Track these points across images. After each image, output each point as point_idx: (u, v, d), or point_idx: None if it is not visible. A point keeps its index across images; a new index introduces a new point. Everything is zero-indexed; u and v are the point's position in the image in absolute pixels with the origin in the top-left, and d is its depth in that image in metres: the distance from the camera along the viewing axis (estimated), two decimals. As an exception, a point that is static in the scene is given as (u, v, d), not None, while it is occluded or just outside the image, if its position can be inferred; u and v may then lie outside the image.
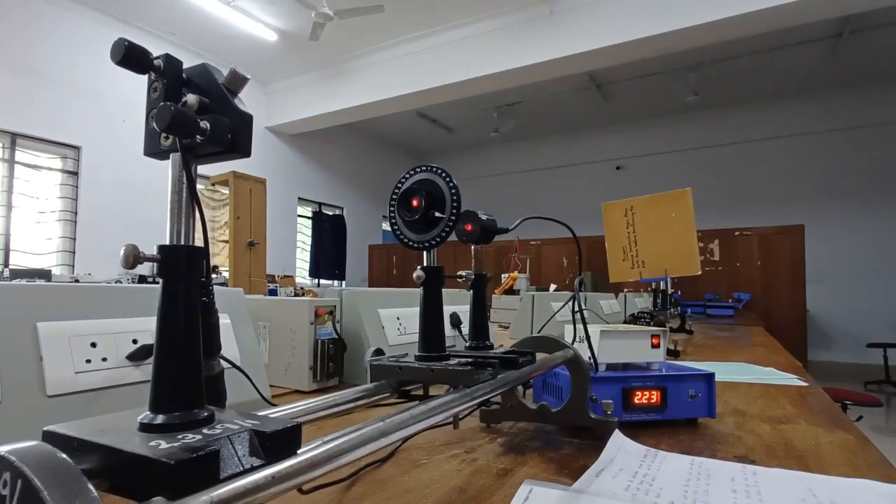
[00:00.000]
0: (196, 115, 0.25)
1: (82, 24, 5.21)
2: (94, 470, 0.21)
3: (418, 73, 5.94)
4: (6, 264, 4.74)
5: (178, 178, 0.26)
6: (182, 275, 0.25)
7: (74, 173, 5.26)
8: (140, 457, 0.20)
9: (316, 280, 7.98)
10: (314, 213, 8.13)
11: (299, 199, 7.84)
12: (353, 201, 8.85)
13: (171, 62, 0.26)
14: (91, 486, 0.17)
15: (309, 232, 8.01)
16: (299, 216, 7.88)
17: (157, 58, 0.26)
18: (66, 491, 0.17)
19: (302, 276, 7.84)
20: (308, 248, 7.99)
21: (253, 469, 0.22)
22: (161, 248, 0.25)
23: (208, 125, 0.25)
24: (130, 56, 0.25)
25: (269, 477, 0.22)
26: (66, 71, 5.12)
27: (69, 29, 5.14)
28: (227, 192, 4.49)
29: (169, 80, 0.26)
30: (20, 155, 4.91)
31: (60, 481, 0.17)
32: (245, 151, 0.27)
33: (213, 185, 4.83)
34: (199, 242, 0.27)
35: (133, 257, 0.23)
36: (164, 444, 0.22)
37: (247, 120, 0.27)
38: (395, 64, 6.12)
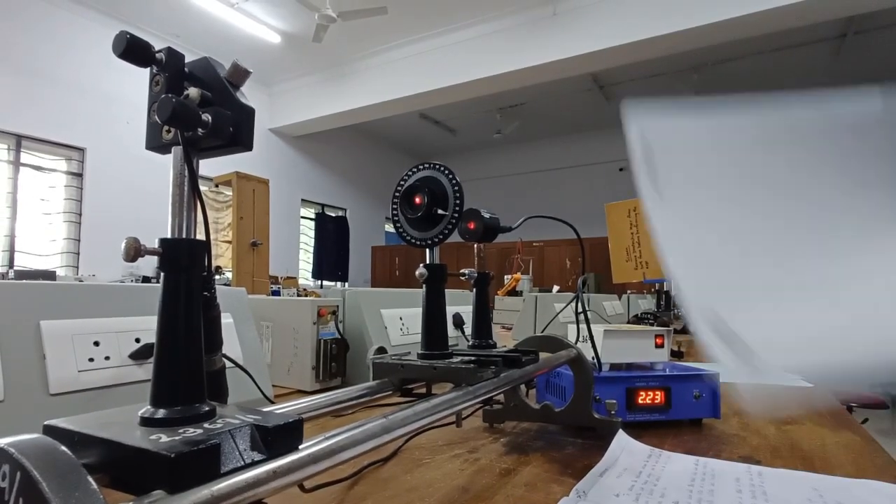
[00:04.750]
0: (198, 108, 0.25)
1: (87, 27, 5.24)
2: (95, 464, 0.21)
3: (421, 74, 5.94)
4: (11, 265, 4.76)
5: (179, 171, 0.26)
6: (183, 267, 0.25)
7: (79, 175, 5.28)
8: (140, 450, 0.20)
9: (319, 281, 7.98)
10: (317, 214, 8.14)
11: (302, 200, 7.85)
12: (356, 203, 8.85)
13: (172, 55, 0.26)
14: (90, 479, 0.17)
15: (312, 234, 8.01)
16: (302, 218, 7.89)
17: (159, 51, 0.26)
18: (65, 483, 0.17)
19: (305, 277, 7.85)
20: (311, 250, 8.00)
21: (254, 464, 0.22)
22: (162, 241, 0.25)
23: (210, 118, 0.25)
24: (132, 49, 0.25)
25: (270, 472, 0.22)
26: (70, 73, 5.15)
27: (74, 31, 5.17)
28: (230, 193, 4.50)
29: (171, 73, 0.26)
30: (25, 157, 4.93)
31: (60, 473, 0.17)
32: (247, 145, 0.26)
33: (216, 185, 4.84)
34: (200, 237, 0.27)
35: (134, 250, 0.23)
36: (164, 438, 0.21)
37: (249, 113, 0.27)
38: (398, 65, 6.12)
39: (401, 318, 0.99)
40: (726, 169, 0.29)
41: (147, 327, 0.59)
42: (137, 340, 0.57)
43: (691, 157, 0.30)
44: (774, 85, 6.84)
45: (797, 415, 0.76)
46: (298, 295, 4.85)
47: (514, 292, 2.97)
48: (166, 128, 0.26)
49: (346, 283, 8.21)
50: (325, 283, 8.05)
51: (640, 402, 0.66)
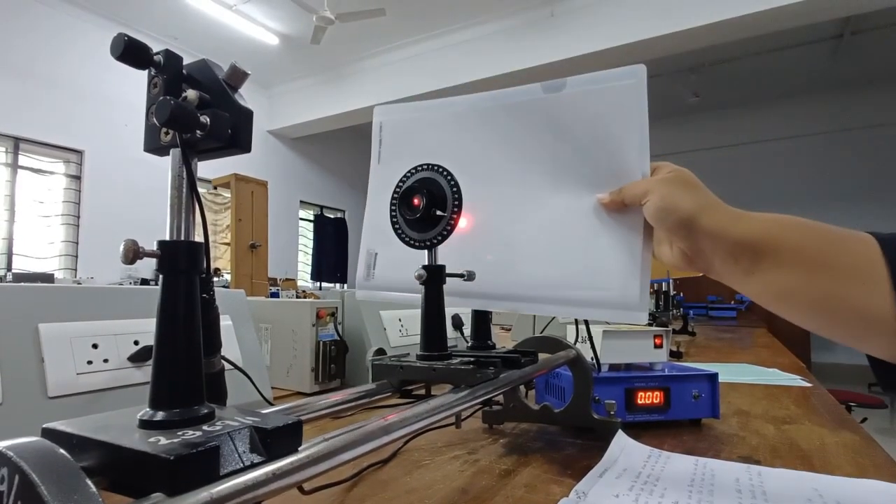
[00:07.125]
0: (196, 110, 0.25)
1: (85, 29, 5.24)
2: (94, 467, 0.21)
3: (419, 76, 5.94)
4: (9, 268, 4.75)
5: (177, 173, 0.26)
6: (182, 270, 0.25)
7: (77, 177, 5.28)
8: (139, 452, 0.20)
9: (318, 283, 7.98)
10: (316, 216, 8.14)
11: (301, 202, 7.85)
12: (355, 204, 8.84)
13: (171, 57, 0.26)
14: (89, 482, 0.17)
15: (310, 235, 8.01)
16: (301, 219, 7.88)
17: (157, 53, 0.26)
18: (63, 486, 0.17)
19: (304, 279, 7.84)
20: (310, 252, 8.00)
21: (253, 466, 0.22)
22: (161, 243, 0.25)
23: (208, 120, 0.25)
24: (130, 51, 0.24)
25: (269, 474, 0.22)
26: (69, 75, 5.14)
27: (72, 34, 5.16)
28: (229, 195, 4.50)
29: (169, 75, 0.26)
30: (23, 159, 4.93)
31: (58, 476, 0.17)
32: (245, 147, 0.27)
33: (214, 187, 4.84)
34: (199, 239, 0.27)
35: (132, 252, 0.23)
36: (163, 441, 0.21)
37: (247, 115, 0.27)
38: (397, 67, 6.13)
39: (400, 320, 0.99)
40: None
41: (146, 330, 0.59)
42: (136, 343, 0.57)
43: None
44: (771, 86, 6.86)
45: (796, 414, 0.76)
46: (297, 296, 4.85)
47: (513, 293, 2.96)
48: (164, 130, 0.26)
49: (345, 285, 8.21)
50: (324, 284, 8.04)
51: (639, 402, 0.66)
